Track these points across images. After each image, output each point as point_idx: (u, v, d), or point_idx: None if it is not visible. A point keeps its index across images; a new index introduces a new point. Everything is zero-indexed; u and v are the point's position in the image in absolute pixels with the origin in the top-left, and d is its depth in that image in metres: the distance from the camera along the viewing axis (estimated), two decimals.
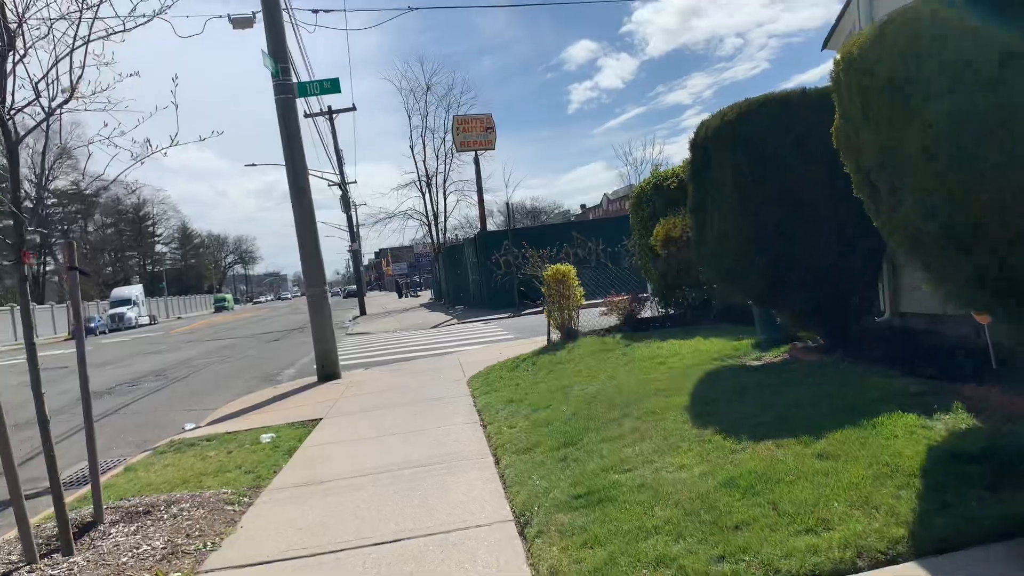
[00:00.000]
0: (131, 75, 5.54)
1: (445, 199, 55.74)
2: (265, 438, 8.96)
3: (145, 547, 4.96)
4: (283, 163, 13.85)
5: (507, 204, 30.30)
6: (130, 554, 4.85)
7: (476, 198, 40.10)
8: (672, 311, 13.77)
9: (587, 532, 4.18)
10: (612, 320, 13.74)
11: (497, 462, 6.31)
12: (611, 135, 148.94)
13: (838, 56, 5.05)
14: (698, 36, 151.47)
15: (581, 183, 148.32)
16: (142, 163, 5.18)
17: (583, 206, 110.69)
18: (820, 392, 6.00)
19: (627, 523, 4.17)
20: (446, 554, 4.37)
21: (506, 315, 27.28)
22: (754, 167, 7.15)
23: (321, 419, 9.87)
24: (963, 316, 7.45)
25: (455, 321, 28.33)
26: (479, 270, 32.11)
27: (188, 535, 5.20)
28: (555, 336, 13.46)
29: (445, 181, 54.28)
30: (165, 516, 5.67)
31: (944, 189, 4.31)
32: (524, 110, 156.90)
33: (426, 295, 66.00)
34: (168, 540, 5.09)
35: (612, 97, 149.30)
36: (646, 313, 13.82)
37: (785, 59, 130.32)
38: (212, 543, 5.07)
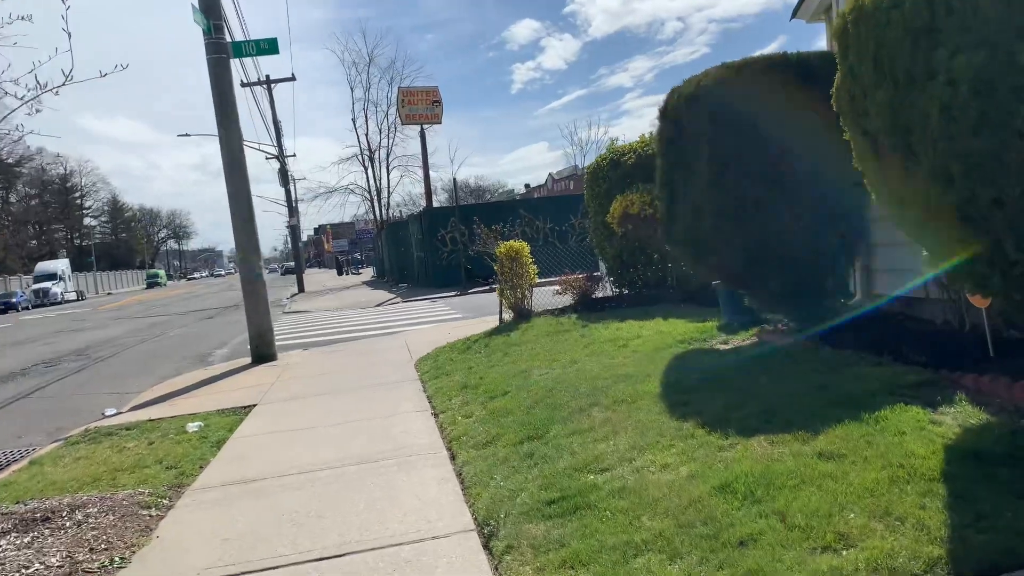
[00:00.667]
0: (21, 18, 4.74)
1: (388, 174, 54.54)
2: (192, 427, 8.15)
3: (37, 566, 4.19)
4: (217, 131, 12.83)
5: (453, 180, 29.37)
6: (17, 575, 4.07)
7: (420, 174, 39.10)
8: (626, 291, 13.30)
9: (566, 548, 3.58)
10: (566, 300, 13.19)
11: (453, 457, 5.68)
12: (554, 116, 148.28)
13: (844, 8, 4.49)
14: (640, 19, 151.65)
15: (524, 163, 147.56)
16: (34, 109, 4.33)
17: (527, 186, 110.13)
18: (808, 381, 5.52)
19: (611, 536, 3.59)
20: (399, 574, 3.72)
21: (452, 294, 26.58)
22: (732, 138, 6.62)
23: (255, 405, 9.09)
24: (942, 300, 7.10)
25: (399, 300, 27.50)
26: (424, 247, 31.28)
27: (92, 548, 4.44)
28: (507, 316, 12.86)
29: (388, 156, 53.05)
30: (68, 523, 4.88)
31: (966, 155, 3.81)
32: (467, 89, 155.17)
33: (367, 273, 64.73)
34: (67, 555, 4.32)
35: (555, 78, 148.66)
36: (600, 293, 13.31)
37: (724, 44, 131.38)
38: (121, 558, 4.32)
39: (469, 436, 6.02)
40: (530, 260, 12.71)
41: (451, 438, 6.19)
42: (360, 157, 52.97)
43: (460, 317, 17.92)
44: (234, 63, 13.59)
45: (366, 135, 51.93)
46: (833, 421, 4.56)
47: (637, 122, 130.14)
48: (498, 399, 7.07)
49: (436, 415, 7.28)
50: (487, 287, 27.02)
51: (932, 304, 7.15)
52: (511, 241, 12.75)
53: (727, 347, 7.50)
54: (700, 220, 6.93)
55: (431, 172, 38.99)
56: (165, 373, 13.25)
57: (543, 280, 15.27)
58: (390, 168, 53.42)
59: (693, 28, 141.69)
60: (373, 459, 5.87)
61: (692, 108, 6.96)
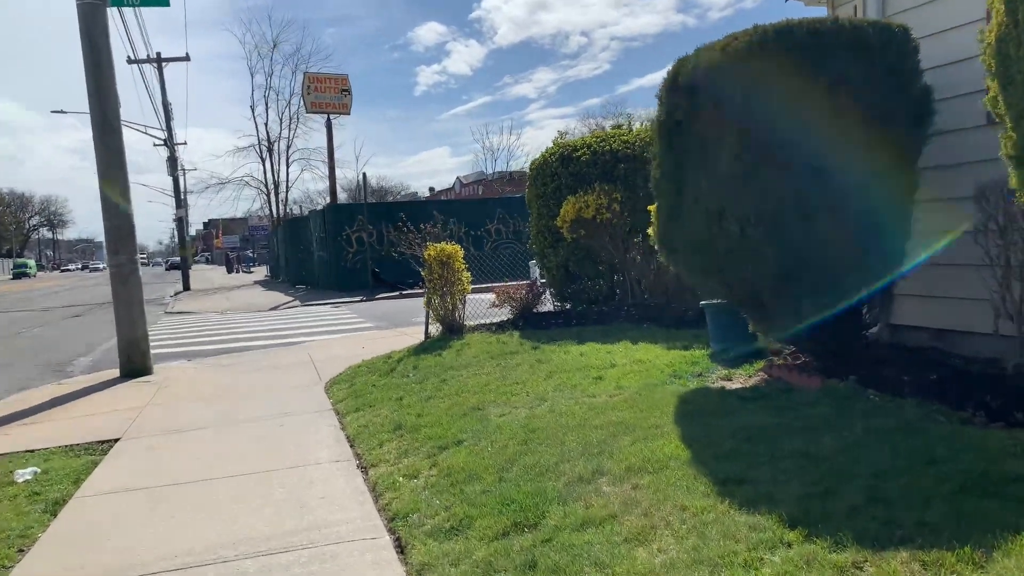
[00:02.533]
0: None
1: (288, 168, 51.56)
2: (22, 475, 5.99)
3: None
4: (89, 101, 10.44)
5: (363, 175, 27.15)
6: None
7: (323, 169, 36.64)
8: (568, 305, 11.74)
9: None
10: (502, 313, 11.49)
11: (402, 549, 3.90)
12: (457, 121, 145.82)
13: None
14: (545, 30, 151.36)
15: (426, 166, 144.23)
16: None
17: (432, 189, 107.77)
18: (897, 448, 4.03)
19: None
20: None
21: (358, 299, 24.43)
22: (772, 122, 5.10)
23: (117, 440, 6.98)
24: (978, 333, 5.86)
25: (297, 303, 25.10)
26: (327, 247, 28.92)
27: None
28: (435, 330, 11.04)
29: (288, 148, 50.09)
30: None
31: None
32: (371, 87, 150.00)
33: (260, 272, 60.90)
34: None
35: (460, 83, 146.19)
36: (541, 307, 11.68)
37: (625, 61, 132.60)
38: None
39: (421, 515, 4.24)
40: (463, 266, 10.95)
41: (393, 514, 4.38)
42: (258, 148, 49.82)
43: (371, 327, 15.93)
44: (121, 38, 11.24)
45: (265, 124, 48.87)
46: (994, 524, 3.05)
47: (539, 133, 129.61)
48: (451, 451, 5.29)
49: (364, 470, 5.44)
50: (396, 294, 25.03)
51: (965, 338, 5.90)
52: (442, 243, 10.95)
53: (738, 386, 5.98)
54: (720, 225, 5.38)
55: (335, 169, 36.45)
56: (5, 386, 10.71)
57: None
58: (290, 161, 50.47)
59: (596, 44, 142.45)
60: (282, 548, 4.01)
61: (715, 80, 5.42)
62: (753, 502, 3.61)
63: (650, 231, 9.12)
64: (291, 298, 27.65)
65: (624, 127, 11.17)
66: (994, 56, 3.86)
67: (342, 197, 60.85)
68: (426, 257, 10.86)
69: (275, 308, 23.89)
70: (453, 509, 4.18)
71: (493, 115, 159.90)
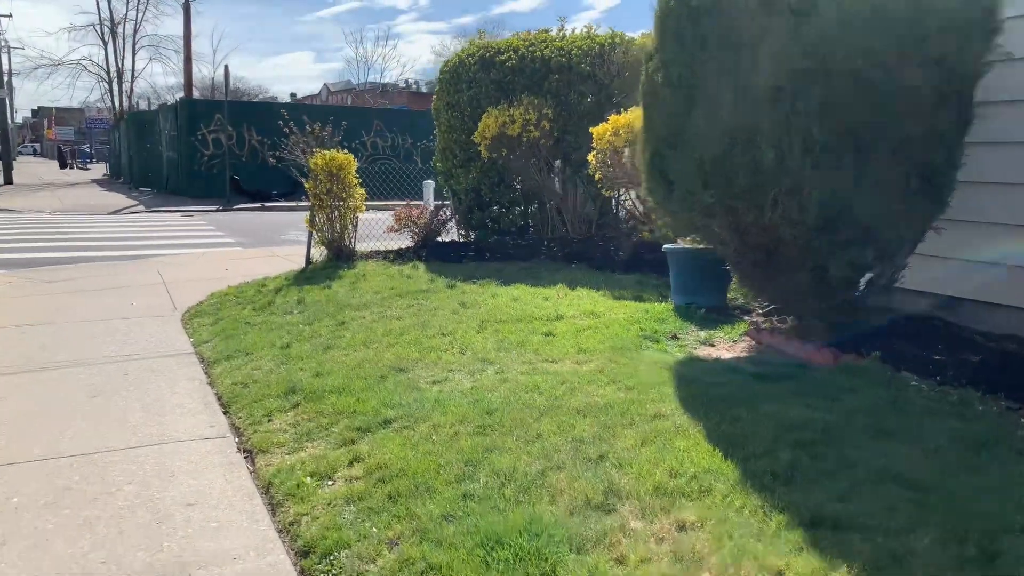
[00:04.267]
0: None
1: (134, 55, 45.99)
2: None
3: None
4: None
5: (225, 68, 23.84)
6: None
7: (176, 60, 32.55)
8: (474, 236, 10.27)
9: None
10: (398, 240, 9.86)
11: None
12: (322, 25, 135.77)
13: None
14: None
15: (287, 71, 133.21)
16: None
17: (293, 95, 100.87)
18: (1004, 463, 2.96)
19: None
20: None
21: (214, 208, 21.79)
22: (843, 18, 3.80)
23: None
24: (1003, 306, 5.03)
25: (142, 208, 22.14)
26: (179, 147, 25.68)
27: None
28: (318, 254, 9.29)
29: (136, 32, 44.54)
30: None
31: None
32: None
33: (99, 169, 54.66)
34: None
35: None
36: (445, 236, 10.13)
37: None
38: None
39: (354, 556, 2.78)
40: (356, 181, 9.21)
41: (306, 547, 2.90)
42: (98, 28, 43.97)
43: (233, 243, 13.81)
44: None
45: (108, 1, 43.03)
46: None
47: (409, 47, 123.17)
48: (376, 436, 3.81)
49: (249, 456, 3.88)
50: (259, 205, 22.57)
51: (976, 308, 5.04)
52: (332, 151, 9.12)
53: (731, 356, 4.83)
54: (748, 152, 4.08)
55: (192, 59, 32.44)
56: None
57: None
58: (137, 48, 44.97)
59: None
60: None
61: None
62: (882, 568, 2.41)
63: (591, 157, 7.80)
64: (135, 202, 24.45)
65: (555, 32, 9.52)
66: None
67: (195, 97, 55.36)
68: (313, 166, 9.02)
69: (116, 212, 20.89)
70: (405, 550, 2.75)
71: (360, 22, 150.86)
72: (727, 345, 5.12)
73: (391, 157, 26.79)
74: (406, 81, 63.78)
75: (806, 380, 4.20)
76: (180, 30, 29.56)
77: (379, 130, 27.50)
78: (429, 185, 13.36)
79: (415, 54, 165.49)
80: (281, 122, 10.15)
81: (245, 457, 3.91)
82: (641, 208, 9.62)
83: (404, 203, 10.96)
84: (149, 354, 5.89)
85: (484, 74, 9.31)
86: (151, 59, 61.95)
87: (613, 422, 3.70)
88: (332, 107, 33.89)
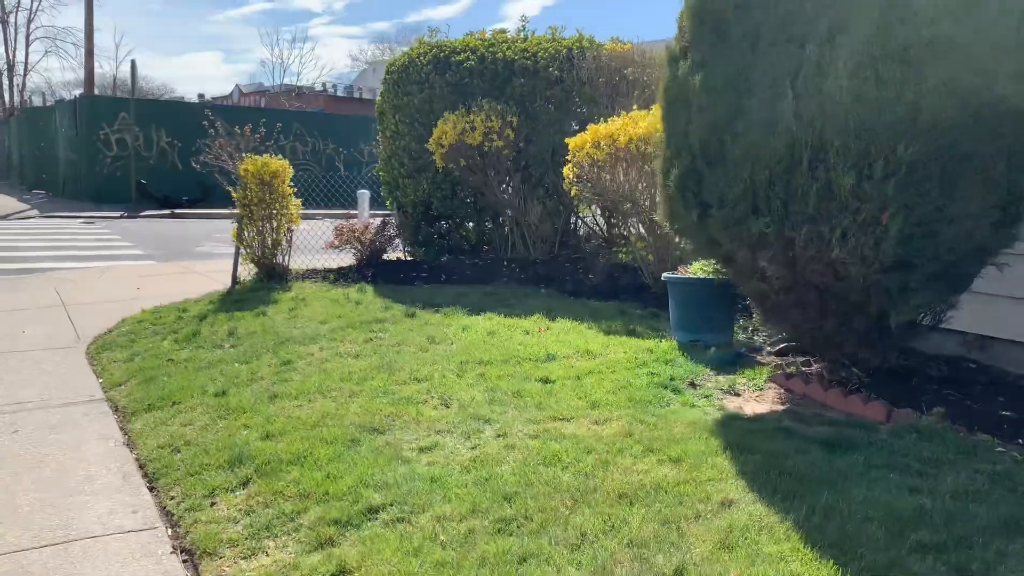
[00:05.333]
0: None
1: (27, 47, 42.84)
2: None
3: None
4: None
5: (132, 63, 22.01)
6: None
7: (75, 53, 30.15)
8: (423, 252, 9.34)
9: None
10: (340, 258, 8.84)
11: None
12: (232, 26, 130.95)
13: None
14: None
15: (194, 71, 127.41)
16: None
17: (201, 95, 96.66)
18: None
19: None
20: None
21: (118, 214, 20.02)
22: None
23: None
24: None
25: (36, 213, 20.16)
26: (79, 147, 23.65)
27: None
28: (245, 272, 8.20)
29: (30, 22, 41.47)
30: None
31: None
32: None
33: None
34: None
35: None
36: (392, 254, 9.16)
37: None
38: None
39: None
40: (291, 190, 8.18)
41: None
42: None
43: (143, 256, 12.42)
44: None
45: None
46: None
47: (324, 51, 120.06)
48: (361, 534, 2.90)
49: (191, 561, 2.91)
50: (168, 212, 20.88)
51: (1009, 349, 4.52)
52: (266, 156, 8.07)
53: (767, 411, 4.10)
54: (814, 172, 3.38)
55: (93, 53, 30.14)
56: None
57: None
58: (30, 39, 41.87)
59: None
60: None
61: None
62: None
63: (566, 171, 7.03)
64: (27, 206, 22.33)
65: (513, 33, 8.73)
66: None
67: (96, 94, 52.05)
68: (242, 173, 7.94)
69: (5, 217, 18.90)
70: None
71: (272, 23, 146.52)
72: (754, 394, 4.41)
73: (311, 163, 25.48)
74: (323, 84, 61.66)
75: (877, 447, 3.50)
76: (79, 22, 27.40)
77: (299, 134, 26.11)
78: (364, 195, 12.36)
79: (330, 58, 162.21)
80: (206, 123, 8.97)
81: (184, 561, 2.94)
82: (603, 227, 8.94)
83: (327, 213, 9.98)
84: (47, 402, 4.76)
85: (438, 76, 8.41)
86: (47, 52, 58.25)
87: (673, 513, 2.90)
88: (247, 108, 32.08)
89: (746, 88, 3.61)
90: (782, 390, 4.48)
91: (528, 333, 5.70)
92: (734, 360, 4.95)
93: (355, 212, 11.66)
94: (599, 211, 9.02)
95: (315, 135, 26.61)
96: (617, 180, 6.58)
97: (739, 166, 3.64)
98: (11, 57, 41.55)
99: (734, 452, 3.44)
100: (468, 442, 3.72)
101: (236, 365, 5.27)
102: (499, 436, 3.76)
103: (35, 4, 42.88)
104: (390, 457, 3.56)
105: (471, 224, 9.04)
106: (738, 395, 4.40)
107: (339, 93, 59.69)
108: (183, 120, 24.25)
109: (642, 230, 6.89)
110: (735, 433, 3.69)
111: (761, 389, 4.49)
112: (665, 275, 5.47)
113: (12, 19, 41.17)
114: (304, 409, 4.33)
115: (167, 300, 7.72)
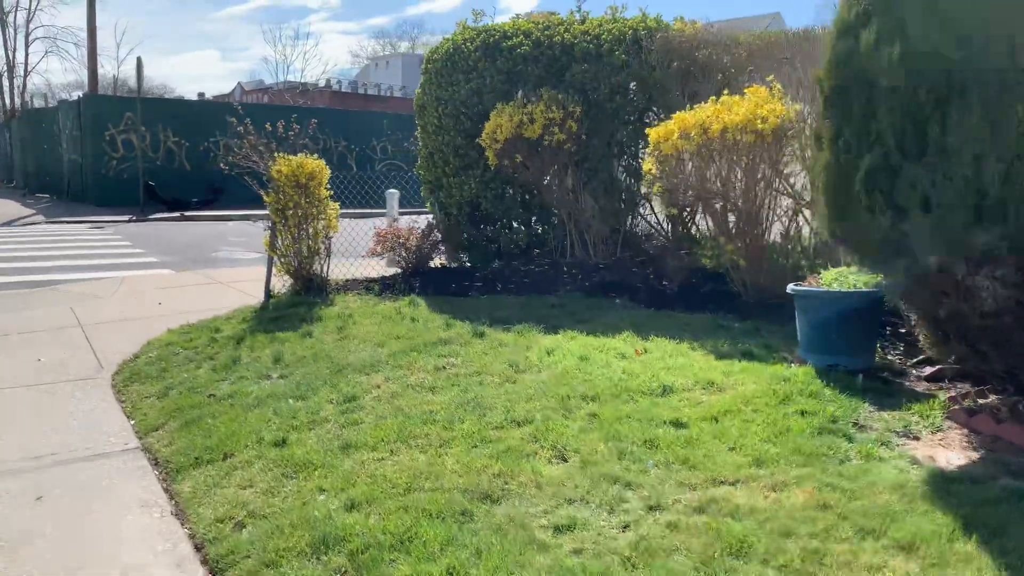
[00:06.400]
0: None
1: (27, 48, 42.08)
2: None
3: None
4: None
5: (138, 60, 21.18)
6: None
7: (76, 53, 29.32)
8: (467, 258, 8.54)
9: None
10: (377, 266, 8.05)
11: None
12: (230, 24, 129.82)
13: None
14: None
15: (192, 71, 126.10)
16: None
17: (201, 94, 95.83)
18: None
19: None
20: None
21: (126, 218, 19.21)
22: None
23: None
24: None
25: (41, 218, 19.39)
26: (83, 149, 22.85)
27: None
28: (280, 284, 7.42)
29: (29, 22, 40.65)
30: None
31: None
32: None
33: None
34: None
35: None
36: (437, 260, 8.36)
37: None
38: None
39: None
40: (328, 193, 7.40)
41: None
42: None
43: (158, 263, 11.63)
44: None
45: None
46: None
47: (323, 47, 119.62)
48: None
49: None
50: (177, 215, 20.08)
51: None
52: (300, 156, 7.28)
53: (978, 462, 3.31)
54: None
55: (97, 51, 29.28)
56: None
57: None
58: (30, 39, 41.06)
59: None
60: None
61: None
62: None
63: (648, 165, 6.23)
64: (31, 211, 21.56)
65: (568, 15, 7.89)
66: None
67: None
68: (275, 175, 7.15)
69: (8, 224, 18.12)
70: None
71: (270, 21, 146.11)
72: (935, 437, 3.62)
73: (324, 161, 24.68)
74: (327, 80, 60.77)
75: None
76: (79, 21, 26.54)
77: (312, 132, 25.28)
78: (393, 195, 11.51)
79: (330, 55, 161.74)
80: (235, 119, 8.16)
81: None
82: (666, 227, 8.15)
83: (346, 213, 9.17)
84: (73, 453, 3.99)
85: (488, 62, 7.59)
86: (47, 52, 57.53)
87: None
88: (263, 106, 31.26)
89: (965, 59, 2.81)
90: (965, 430, 3.69)
91: (625, 357, 4.90)
92: (885, 390, 4.16)
93: (379, 212, 10.82)
94: (659, 209, 8.23)
95: (326, 132, 25.77)
96: (707, 174, 5.78)
97: (958, 161, 2.83)
98: (11, 58, 40.73)
99: (977, 533, 2.64)
100: (614, 518, 2.93)
101: (291, 402, 4.49)
102: (652, 509, 2.96)
103: (34, 3, 41.98)
104: (522, 542, 2.77)
105: (520, 225, 8.24)
106: (916, 439, 3.60)
107: (343, 89, 58.89)
108: (190, 119, 23.47)
109: (732, 230, 6.08)
110: (957, 501, 2.89)
111: (941, 430, 3.69)
112: (793, 287, 4.66)
113: (11, 18, 40.34)
114: (388, 464, 3.55)
115: (194, 317, 6.94)
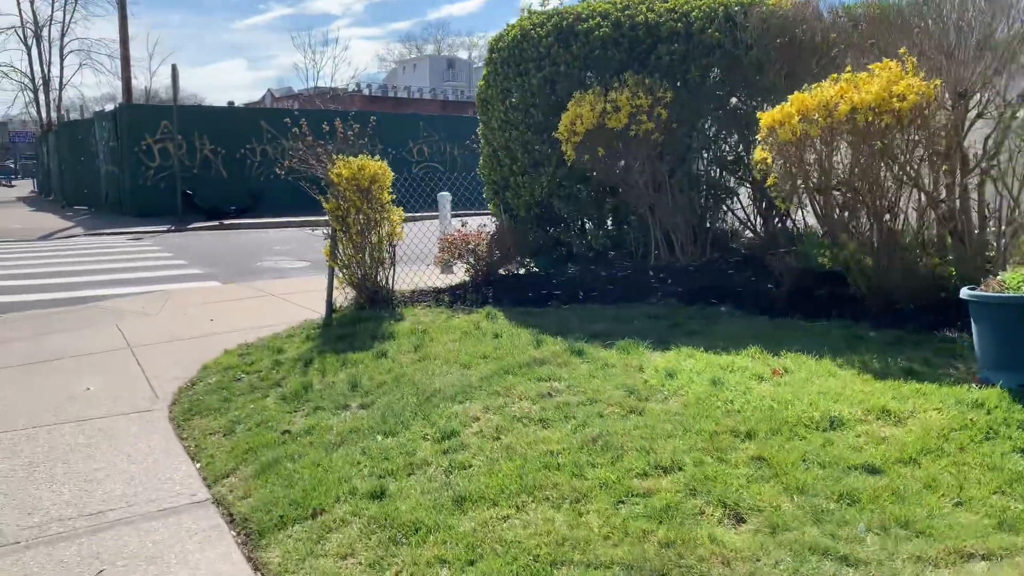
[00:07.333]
0: None
1: (62, 61, 42.19)
2: None
3: None
4: None
5: (173, 68, 20.85)
6: None
7: (109, 65, 29.21)
8: (535, 264, 7.86)
9: None
10: (431, 272, 7.41)
11: None
12: (255, 33, 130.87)
13: None
14: None
15: (219, 80, 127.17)
16: None
17: (230, 103, 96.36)
18: None
19: None
20: None
21: (164, 228, 18.85)
22: None
23: None
24: None
25: (80, 231, 19.10)
26: (120, 159, 22.57)
27: None
28: (342, 297, 6.82)
29: (63, 36, 40.78)
30: None
31: None
32: None
33: (25, 186, 50.24)
34: None
35: None
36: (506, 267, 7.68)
37: None
38: None
39: None
40: (391, 197, 6.78)
41: None
42: (20, 32, 40.04)
43: (202, 275, 11.13)
44: None
45: (31, 1, 39.27)
46: None
47: (345, 54, 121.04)
48: None
49: None
50: (216, 223, 19.66)
51: None
52: (361, 158, 6.67)
53: None
54: None
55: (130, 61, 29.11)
56: None
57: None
58: (65, 52, 41.19)
59: None
60: None
61: None
62: None
63: (760, 153, 5.50)
64: (70, 223, 21.31)
65: None
66: None
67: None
68: (335, 178, 6.54)
69: (48, 237, 17.84)
70: None
71: (294, 29, 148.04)
72: None
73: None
74: (357, 84, 60.50)
75: None
76: (112, 33, 26.40)
77: (371, 131, 24.82)
78: (445, 198, 10.90)
79: (358, 60, 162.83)
80: (289, 119, 7.58)
81: None
82: (756, 222, 7.41)
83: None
84: (134, 508, 3.38)
85: (562, 48, 6.90)
86: (81, 64, 57.98)
87: None
88: (302, 112, 30.89)
89: None
90: None
91: (763, 379, 4.19)
92: None
93: (422, 216, 10.18)
94: (749, 202, 7.51)
95: (362, 137, 25.29)
96: (832, 162, 5.05)
97: None
98: (46, 72, 40.84)
99: None
100: None
101: (379, 438, 3.86)
102: None
103: (68, 17, 42.14)
104: None
105: (595, 227, 7.54)
106: None
107: (374, 92, 58.62)
108: (225, 126, 23.13)
109: (862, 226, 5.34)
110: None
111: None
112: (968, 291, 3.92)
113: (46, 33, 40.44)
114: (516, 525, 2.89)
115: (251, 335, 6.37)
